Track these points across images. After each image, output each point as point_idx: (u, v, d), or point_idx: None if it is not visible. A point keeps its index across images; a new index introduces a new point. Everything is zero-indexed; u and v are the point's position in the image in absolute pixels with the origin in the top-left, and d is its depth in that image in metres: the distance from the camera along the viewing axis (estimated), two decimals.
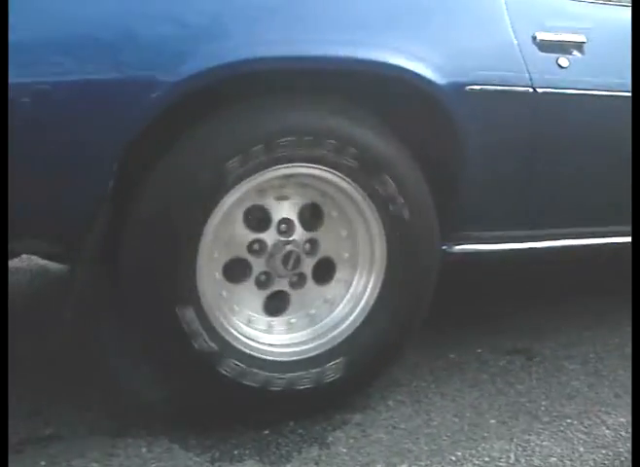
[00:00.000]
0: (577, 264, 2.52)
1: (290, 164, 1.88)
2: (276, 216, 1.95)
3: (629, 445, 1.90)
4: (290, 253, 1.95)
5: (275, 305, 2.00)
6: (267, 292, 1.98)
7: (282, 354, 1.97)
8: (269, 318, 2.00)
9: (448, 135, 2.04)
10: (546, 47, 2.17)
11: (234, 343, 1.91)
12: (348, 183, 1.95)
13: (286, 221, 1.96)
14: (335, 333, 2.01)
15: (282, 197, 1.97)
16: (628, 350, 2.39)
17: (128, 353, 1.96)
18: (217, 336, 1.88)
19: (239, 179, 1.84)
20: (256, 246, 1.94)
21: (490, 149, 2.11)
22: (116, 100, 1.75)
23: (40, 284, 2.97)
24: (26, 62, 1.70)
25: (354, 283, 2.05)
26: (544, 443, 1.92)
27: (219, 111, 1.84)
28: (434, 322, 2.18)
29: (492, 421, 2.02)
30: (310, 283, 2.02)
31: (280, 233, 1.95)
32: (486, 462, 1.83)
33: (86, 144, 1.75)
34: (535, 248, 2.28)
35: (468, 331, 2.50)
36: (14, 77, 1.66)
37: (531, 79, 2.13)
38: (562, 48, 2.19)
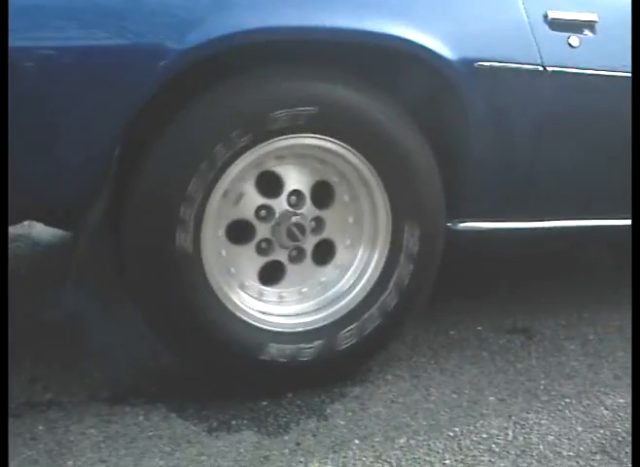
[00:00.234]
0: (580, 244, 2.51)
1: (298, 135, 1.88)
2: (289, 186, 1.95)
3: (627, 425, 1.91)
4: (295, 225, 1.94)
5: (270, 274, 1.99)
6: (266, 260, 1.97)
7: (270, 323, 1.96)
8: (262, 287, 1.99)
9: (456, 111, 2.03)
10: (557, 25, 2.14)
11: (228, 305, 1.91)
12: (354, 154, 1.94)
13: (297, 193, 1.96)
14: (324, 313, 2.01)
15: (297, 167, 1.96)
16: (629, 332, 2.39)
17: (129, 321, 1.96)
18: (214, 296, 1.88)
19: (246, 148, 1.83)
20: (263, 212, 1.93)
21: (497, 126, 2.10)
22: (121, 67, 1.74)
23: (41, 251, 2.96)
24: (29, 26, 1.68)
25: (353, 267, 2.04)
26: (542, 421, 1.92)
27: (227, 80, 1.83)
28: (435, 299, 2.18)
29: (491, 398, 2.02)
30: (308, 261, 2.01)
31: (290, 203, 1.95)
32: (484, 439, 1.84)
33: (89, 111, 1.74)
34: (539, 227, 2.27)
35: (468, 308, 2.50)
36: (16, 40, 1.64)
37: (541, 57, 2.11)
38: (574, 27, 2.17)
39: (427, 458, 1.76)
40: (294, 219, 1.94)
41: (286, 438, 1.82)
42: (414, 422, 1.90)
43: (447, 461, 1.75)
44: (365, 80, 1.94)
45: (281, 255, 1.98)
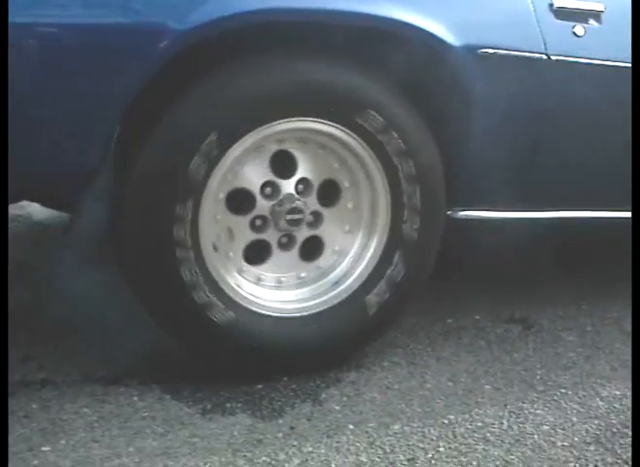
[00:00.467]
0: (580, 235, 2.50)
1: (298, 119, 1.87)
2: (300, 172, 1.94)
3: (622, 417, 1.90)
4: (295, 209, 1.93)
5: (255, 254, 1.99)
6: (254, 237, 1.96)
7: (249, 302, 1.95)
8: (242, 263, 1.97)
9: (458, 97, 2.01)
10: (562, 14, 2.13)
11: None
12: (355, 139, 1.93)
13: (305, 181, 1.95)
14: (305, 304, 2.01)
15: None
16: (626, 324, 2.39)
17: (125, 302, 1.95)
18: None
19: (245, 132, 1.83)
20: (268, 190, 1.92)
21: (499, 114, 2.08)
22: (122, 47, 1.73)
23: (38, 232, 2.96)
24: (30, 3, 1.67)
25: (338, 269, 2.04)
26: (537, 411, 1.91)
27: (230, 61, 1.82)
28: (433, 287, 2.18)
29: (487, 387, 2.01)
30: (294, 251, 2.00)
31: (297, 190, 1.94)
32: (479, 427, 1.83)
33: (89, 90, 1.73)
34: (539, 217, 2.26)
35: (467, 297, 2.49)
36: (17, 17, 1.63)
37: (545, 46, 2.10)
38: (579, 16, 2.16)
39: (421, 445, 1.75)
40: (296, 204, 1.93)
41: (280, 422, 1.81)
42: (409, 409, 1.89)
43: (441, 448, 1.74)
44: (367, 64, 1.93)
45: (271, 237, 1.97)
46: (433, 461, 1.70)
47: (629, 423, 1.86)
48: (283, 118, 1.86)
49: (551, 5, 2.12)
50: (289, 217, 1.93)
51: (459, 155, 2.09)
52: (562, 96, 2.16)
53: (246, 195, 1.92)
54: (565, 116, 2.19)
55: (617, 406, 1.95)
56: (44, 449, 1.68)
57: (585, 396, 2.00)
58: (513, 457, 1.73)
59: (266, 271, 1.99)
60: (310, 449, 1.72)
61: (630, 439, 1.79)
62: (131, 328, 1.99)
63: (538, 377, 2.08)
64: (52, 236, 2.89)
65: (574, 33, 2.15)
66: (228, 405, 1.87)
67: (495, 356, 2.17)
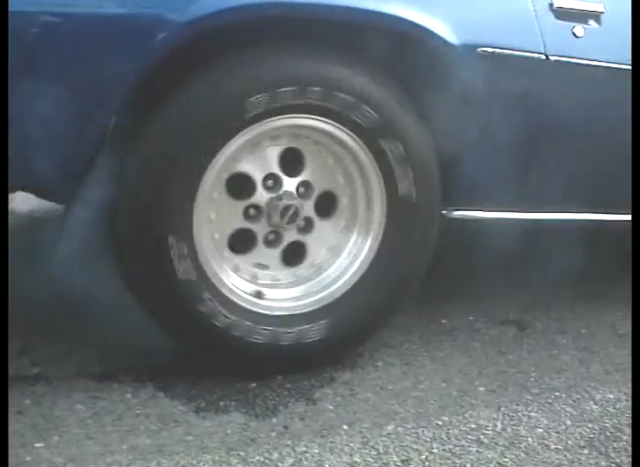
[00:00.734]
0: (576, 237, 2.50)
1: (294, 115, 1.86)
2: (258, 177, 1.93)
3: (616, 420, 1.90)
4: (286, 207, 1.92)
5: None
6: (244, 225, 1.95)
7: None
8: (225, 249, 1.96)
9: (457, 96, 2.01)
10: (562, 14, 2.13)
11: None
12: (353, 139, 1.93)
13: (307, 185, 1.96)
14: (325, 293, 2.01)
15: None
16: (620, 328, 2.39)
17: (121, 298, 1.94)
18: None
19: (249, 123, 1.82)
20: (270, 182, 1.93)
21: (497, 114, 2.08)
22: (122, 38, 1.72)
23: (33, 224, 2.94)
24: None
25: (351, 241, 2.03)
26: (531, 414, 1.91)
27: (227, 54, 1.81)
28: (428, 287, 2.18)
29: (481, 389, 2.01)
30: (278, 251, 1.99)
31: (268, 189, 1.93)
32: (473, 429, 1.83)
33: (87, 81, 1.72)
34: (534, 219, 2.26)
35: (461, 298, 2.49)
36: (17, 5, 1.62)
37: (544, 46, 2.09)
38: (579, 16, 2.15)
39: (415, 446, 1.75)
40: (294, 202, 1.93)
41: (274, 421, 1.81)
42: (403, 410, 1.89)
43: (435, 450, 1.74)
44: (365, 61, 1.92)
45: (261, 229, 1.96)
46: (427, 463, 1.70)
47: (623, 427, 1.86)
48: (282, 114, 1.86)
49: (550, 5, 2.11)
50: (283, 214, 1.93)
51: (456, 154, 2.09)
52: (560, 97, 2.16)
53: (247, 181, 1.91)
54: (563, 117, 2.18)
55: (610, 409, 1.96)
56: (37, 445, 1.67)
57: (579, 399, 2.00)
58: (506, 460, 1.73)
59: (244, 262, 1.98)
60: (304, 448, 1.71)
61: (624, 443, 1.80)
62: (126, 324, 1.99)
63: (532, 380, 2.07)
64: (39, 228, 2.87)
65: (573, 34, 2.14)
66: (221, 403, 1.86)
67: (489, 358, 2.17)
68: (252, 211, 1.93)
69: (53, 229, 2.73)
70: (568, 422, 1.89)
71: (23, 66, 1.67)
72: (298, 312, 1.98)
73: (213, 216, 1.91)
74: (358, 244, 2.03)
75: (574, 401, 1.99)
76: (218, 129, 1.81)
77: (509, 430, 1.84)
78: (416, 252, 2.05)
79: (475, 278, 2.53)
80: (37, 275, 2.33)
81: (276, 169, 1.93)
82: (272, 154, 1.93)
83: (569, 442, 1.81)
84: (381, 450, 1.73)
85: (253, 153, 1.91)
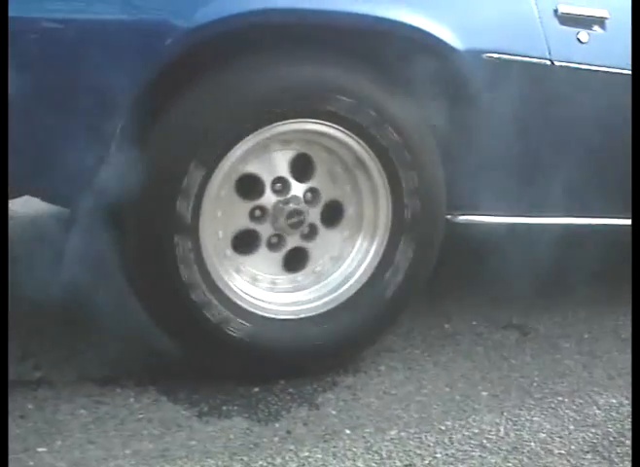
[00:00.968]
0: (578, 242, 2.50)
1: (300, 120, 1.86)
2: (267, 179, 1.93)
3: (619, 425, 1.90)
4: (292, 212, 1.92)
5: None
6: (249, 226, 1.95)
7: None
8: (228, 248, 1.95)
9: (462, 101, 2.01)
10: (567, 20, 2.13)
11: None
12: (358, 143, 1.93)
13: (279, 180, 1.94)
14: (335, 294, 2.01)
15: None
16: (623, 332, 2.39)
17: (126, 303, 1.94)
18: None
19: (248, 131, 1.82)
20: (279, 185, 1.93)
21: (502, 119, 2.08)
22: (124, 44, 1.72)
23: (37, 228, 2.94)
24: None
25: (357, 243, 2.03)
26: (534, 418, 1.91)
27: (233, 60, 1.81)
28: (431, 291, 2.18)
29: (484, 394, 2.01)
30: (278, 257, 1.99)
31: (276, 192, 1.93)
32: (476, 434, 1.83)
33: (94, 87, 1.72)
34: (540, 223, 2.26)
35: (464, 303, 2.49)
36: (21, 11, 1.63)
37: (549, 52, 2.10)
38: (583, 22, 2.15)
39: (418, 451, 1.75)
40: (300, 206, 1.93)
41: (277, 425, 1.81)
42: (406, 414, 1.89)
43: (438, 455, 1.74)
44: (372, 66, 1.93)
45: (265, 231, 1.96)
46: None
47: (626, 432, 1.86)
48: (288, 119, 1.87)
49: (555, 11, 2.11)
50: (289, 218, 1.93)
51: (461, 157, 2.09)
52: (565, 102, 2.16)
53: (256, 182, 1.92)
54: (568, 122, 2.18)
55: (614, 414, 1.95)
56: (39, 449, 1.67)
57: (582, 404, 2.00)
58: (509, 465, 1.72)
59: (245, 263, 1.98)
60: (307, 453, 1.71)
61: (627, 448, 1.79)
62: (128, 328, 1.99)
63: (535, 384, 2.07)
64: (43, 232, 2.87)
65: (578, 39, 2.14)
66: (224, 408, 1.86)
67: (492, 362, 2.17)
68: (258, 212, 1.93)
69: (56, 232, 2.74)
70: (571, 427, 1.89)
71: (30, 71, 1.67)
72: (303, 316, 1.98)
73: (219, 214, 1.92)
74: (362, 250, 2.03)
75: (577, 406, 1.99)
76: (227, 132, 1.81)
77: (512, 435, 1.84)
78: (421, 257, 2.05)
79: (477, 283, 2.54)
80: (40, 279, 2.33)
81: (286, 173, 1.93)
82: (283, 158, 1.93)
83: (572, 447, 1.81)
84: (384, 455, 1.72)
85: (262, 155, 1.91)
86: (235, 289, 1.93)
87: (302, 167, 1.97)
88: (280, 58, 1.85)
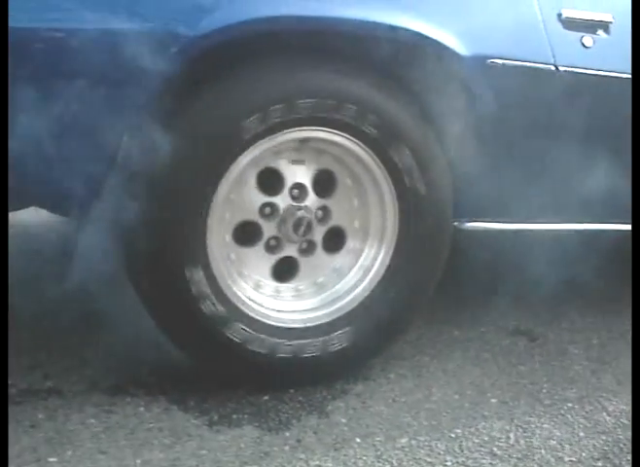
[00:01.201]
0: (586, 248, 2.50)
1: (308, 127, 1.87)
2: (290, 180, 1.93)
3: (630, 432, 1.89)
4: (301, 219, 1.93)
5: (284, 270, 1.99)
6: (276, 257, 1.97)
7: (289, 321, 1.95)
8: (277, 284, 1.98)
9: (466, 107, 2.01)
10: (571, 25, 2.13)
11: (242, 308, 1.90)
12: (365, 151, 1.93)
13: (299, 186, 1.94)
14: (342, 303, 2.00)
15: (297, 162, 1.95)
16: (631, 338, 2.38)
17: (133, 311, 1.95)
18: (225, 299, 1.86)
19: (256, 138, 1.82)
20: (267, 210, 1.92)
21: (507, 124, 2.08)
22: (131, 53, 1.71)
23: (45, 239, 2.95)
24: (40, 7, 1.67)
25: (364, 254, 2.03)
26: (544, 425, 1.91)
27: (239, 68, 1.82)
28: (439, 299, 2.17)
29: (493, 401, 2.01)
30: (320, 251, 2.00)
31: (293, 197, 1.94)
32: (486, 441, 1.82)
33: (100, 96, 1.72)
34: (546, 229, 2.26)
35: (472, 309, 2.49)
36: (27, 22, 1.64)
37: (554, 57, 2.10)
38: (588, 26, 2.15)
39: (428, 459, 1.74)
40: (299, 213, 1.93)
41: (287, 434, 1.81)
42: (416, 422, 1.89)
43: (449, 463, 1.74)
44: (377, 73, 1.93)
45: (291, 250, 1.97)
46: None
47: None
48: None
49: (559, 15, 2.11)
50: (298, 227, 1.93)
51: (465, 163, 2.09)
52: (570, 107, 2.16)
53: (250, 225, 1.93)
54: (573, 127, 2.18)
55: (624, 421, 1.95)
56: (50, 459, 1.67)
57: (591, 410, 1.99)
58: None
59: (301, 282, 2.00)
60: (317, 462, 1.71)
61: None
62: (137, 337, 1.99)
63: (544, 391, 2.07)
64: (57, 243, 2.88)
65: (582, 44, 2.14)
66: (234, 416, 1.86)
67: (501, 369, 2.17)
68: (267, 210, 1.93)
69: (63, 242, 2.74)
70: (581, 434, 1.89)
71: (37, 80, 1.67)
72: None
73: (245, 272, 1.95)
74: (369, 258, 2.04)
75: (587, 412, 1.98)
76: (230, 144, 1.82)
77: (522, 442, 1.83)
78: (428, 265, 2.05)
79: (485, 289, 2.53)
80: (49, 288, 2.33)
81: (263, 199, 1.93)
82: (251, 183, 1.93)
83: (583, 454, 1.81)
84: (395, 464, 1.72)
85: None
86: (244, 298, 1.94)
87: (323, 182, 1.98)
88: (285, 66, 1.85)
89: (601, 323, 2.50)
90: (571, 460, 1.78)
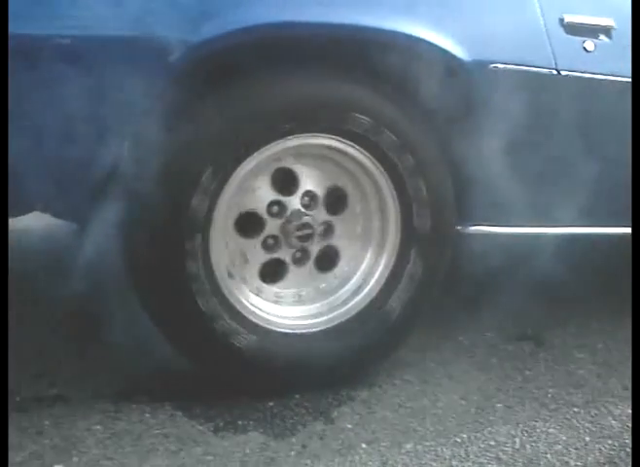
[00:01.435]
0: (591, 252, 2.50)
1: (310, 134, 1.87)
2: (304, 186, 1.95)
3: None
4: (305, 225, 1.93)
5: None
6: (268, 257, 1.96)
7: (270, 322, 1.95)
8: (260, 283, 1.98)
9: (469, 112, 2.01)
10: (572, 29, 2.13)
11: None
12: (367, 157, 1.94)
13: (311, 194, 1.96)
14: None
15: (314, 168, 1.97)
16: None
17: (137, 318, 1.95)
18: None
19: (258, 145, 1.82)
20: (275, 208, 1.93)
21: (510, 129, 2.08)
22: (133, 60, 1.73)
23: (48, 244, 2.95)
24: (46, 15, 1.68)
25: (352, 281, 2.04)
26: (550, 430, 1.91)
27: (239, 75, 1.82)
28: (444, 304, 2.17)
29: (499, 405, 2.01)
30: (311, 265, 2.01)
31: (303, 204, 1.95)
32: (492, 446, 1.82)
33: (100, 102, 1.73)
34: (550, 233, 2.26)
35: (478, 315, 2.48)
36: (32, 29, 1.65)
37: (555, 61, 2.10)
38: (589, 31, 2.15)
39: (434, 464, 1.74)
40: (304, 219, 1.94)
41: (293, 440, 1.81)
42: (422, 427, 1.88)
43: None
44: (379, 78, 1.93)
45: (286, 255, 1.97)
46: None
47: None
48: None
49: (561, 20, 2.12)
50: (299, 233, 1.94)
51: (469, 168, 2.09)
52: (572, 112, 2.16)
53: (254, 217, 1.93)
54: (576, 131, 2.18)
55: (629, 425, 1.94)
56: (56, 466, 1.67)
57: (597, 415, 1.99)
58: None
59: (284, 289, 1.99)
60: None
61: None
62: (142, 344, 1.99)
63: (550, 396, 2.07)
64: (60, 249, 2.88)
65: (584, 48, 2.15)
66: (240, 422, 1.86)
67: (507, 374, 2.17)
68: (270, 241, 1.94)
69: (67, 248, 2.74)
70: (587, 438, 1.88)
71: (38, 87, 1.68)
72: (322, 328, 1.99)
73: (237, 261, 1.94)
74: (372, 264, 2.05)
75: (592, 417, 1.98)
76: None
77: (527, 447, 1.83)
78: (431, 270, 2.06)
79: (491, 294, 2.53)
80: (53, 296, 2.34)
81: (273, 196, 1.94)
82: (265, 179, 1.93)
83: (589, 458, 1.80)
84: None
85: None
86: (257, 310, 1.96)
87: (335, 200, 2.00)
88: (288, 73, 1.86)
89: (607, 328, 2.49)
90: (577, 465, 1.77)
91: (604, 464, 1.78)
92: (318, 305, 2.02)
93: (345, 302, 2.02)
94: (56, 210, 2.16)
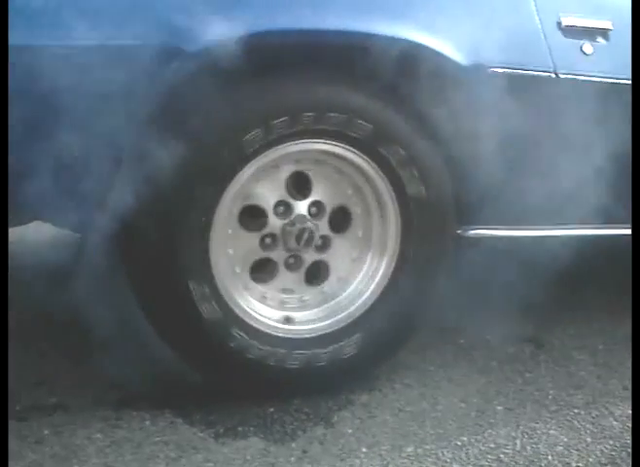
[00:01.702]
0: (591, 253, 2.50)
1: (309, 140, 1.88)
2: (315, 194, 1.96)
3: None
4: (307, 230, 1.93)
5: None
6: (262, 255, 1.97)
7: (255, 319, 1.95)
8: (247, 279, 1.97)
9: (468, 116, 2.01)
10: (570, 32, 2.13)
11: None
12: (367, 162, 1.95)
13: (319, 204, 1.97)
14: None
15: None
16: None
17: (137, 325, 1.95)
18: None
19: (259, 152, 1.83)
20: (281, 208, 1.94)
21: (509, 132, 2.08)
22: (132, 68, 1.73)
23: (48, 253, 2.95)
24: (44, 24, 1.68)
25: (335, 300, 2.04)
26: (550, 431, 1.90)
27: (239, 82, 1.82)
28: (444, 307, 2.17)
29: (499, 408, 2.00)
30: (300, 274, 2.01)
31: (310, 213, 1.96)
32: (492, 448, 1.82)
33: (102, 110, 1.73)
34: (550, 235, 2.26)
35: (477, 317, 2.48)
36: (31, 39, 1.65)
37: (554, 64, 2.10)
38: (587, 34, 2.16)
39: None
40: (307, 224, 1.95)
41: (293, 445, 1.81)
42: (422, 431, 1.88)
43: None
44: (377, 84, 1.94)
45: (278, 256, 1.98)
46: None
47: None
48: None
49: (559, 23, 2.12)
50: (300, 236, 1.94)
51: (468, 172, 2.09)
52: (571, 114, 2.16)
53: (258, 211, 1.93)
54: (574, 134, 2.18)
55: (630, 425, 1.94)
56: None
57: (598, 416, 1.99)
58: None
59: (269, 291, 1.99)
60: None
61: None
62: (141, 351, 1.99)
63: (550, 397, 2.07)
64: (61, 257, 2.88)
65: (582, 51, 2.15)
66: (240, 428, 1.86)
67: (507, 376, 2.17)
68: (268, 240, 1.94)
69: (68, 257, 2.75)
70: (588, 439, 1.88)
71: (38, 97, 1.68)
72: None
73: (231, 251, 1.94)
74: (372, 267, 2.04)
75: (593, 417, 1.98)
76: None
77: (528, 449, 1.83)
78: (431, 273, 2.06)
79: (490, 297, 2.53)
80: (53, 304, 2.34)
81: (285, 195, 1.94)
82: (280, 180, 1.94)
83: (590, 459, 1.80)
84: None
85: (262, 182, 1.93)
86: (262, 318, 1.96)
87: (340, 220, 2.01)
88: (286, 79, 1.86)
89: (607, 329, 2.49)
90: (578, 465, 1.78)
91: (605, 465, 1.78)
92: (297, 315, 2.01)
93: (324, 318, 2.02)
94: (57, 220, 2.17)
